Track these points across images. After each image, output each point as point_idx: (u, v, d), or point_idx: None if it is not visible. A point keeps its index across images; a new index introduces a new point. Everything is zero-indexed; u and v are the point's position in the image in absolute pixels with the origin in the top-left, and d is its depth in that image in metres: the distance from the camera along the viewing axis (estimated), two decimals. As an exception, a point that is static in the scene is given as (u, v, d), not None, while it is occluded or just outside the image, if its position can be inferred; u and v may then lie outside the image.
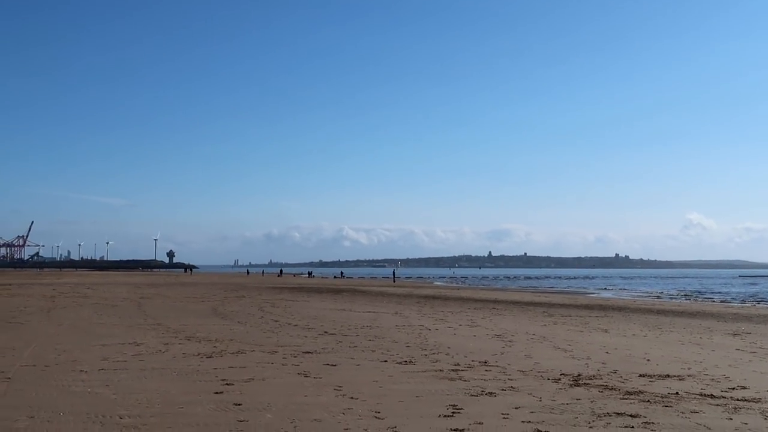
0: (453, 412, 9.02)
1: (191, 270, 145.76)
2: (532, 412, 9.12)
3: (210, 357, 13.88)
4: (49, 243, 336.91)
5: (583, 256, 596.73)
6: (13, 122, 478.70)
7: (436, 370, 12.55)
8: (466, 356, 14.57)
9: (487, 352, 15.41)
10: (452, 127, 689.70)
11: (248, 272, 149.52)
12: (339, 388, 10.52)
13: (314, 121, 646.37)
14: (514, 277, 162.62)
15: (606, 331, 22.05)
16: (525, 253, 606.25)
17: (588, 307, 37.35)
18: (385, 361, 13.73)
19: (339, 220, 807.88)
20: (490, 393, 10.41)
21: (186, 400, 9.48)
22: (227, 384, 10.74)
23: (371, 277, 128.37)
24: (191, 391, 10.10)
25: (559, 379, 11.82)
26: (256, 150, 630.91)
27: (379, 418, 8.64)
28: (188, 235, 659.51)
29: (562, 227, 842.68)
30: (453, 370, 12.67)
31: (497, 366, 13.24)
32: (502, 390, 10.68)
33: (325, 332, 19.31)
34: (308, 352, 14.79)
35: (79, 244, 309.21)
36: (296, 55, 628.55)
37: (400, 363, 13.46)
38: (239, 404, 9.25)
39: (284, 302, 35.20)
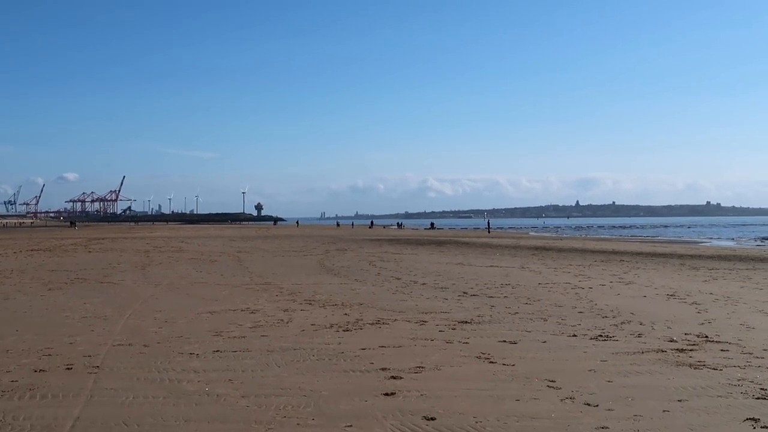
0: (771, 436, 5.80)
1: (297, 223, 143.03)
2: None
3: (347, 330, 10.95)
4: (141, 197, 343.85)
5: (673, 204, 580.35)
6: (103, 80, 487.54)
7: (655, 351, 9.35)
8: (669, 327, 11.35)
9: (686, 320, 12.14)
10: (536, 74, 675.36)
11: (338, 224, 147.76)
12: (553, 384, 7.42)
13: (395, 72, 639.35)
14: (610, 226, 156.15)
15: (784, 287, 18.41)
16: (613, 202, 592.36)
17: (724, 257, 33.27)
18: (574, 335, 10.59)
19: (424, 171, 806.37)
20: (778, 393, 7.15)
21: (351, 409, 6.49)
22: (393, 377, 7.74)
23: (462, 228, 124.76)
24: (350, 391, 7.11)
25: (840, 365, 8.48)
26: (340, 102, 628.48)
27: (664, 448, 5.46)
28: (275, 187, 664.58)
29: (651, 175, 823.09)
30: (676, 349, 9.44)
31: (727, 342, 9.98)
32: (787, 387, 7.41)
33: (464, 293, 16.23)
34: (465, 322, 11.77)
35: (169, 198, 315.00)
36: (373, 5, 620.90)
37: (595, 339, 10.30)
38: (432, 418, 6.23)
39: (391, 255, 32.31)
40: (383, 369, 8.12)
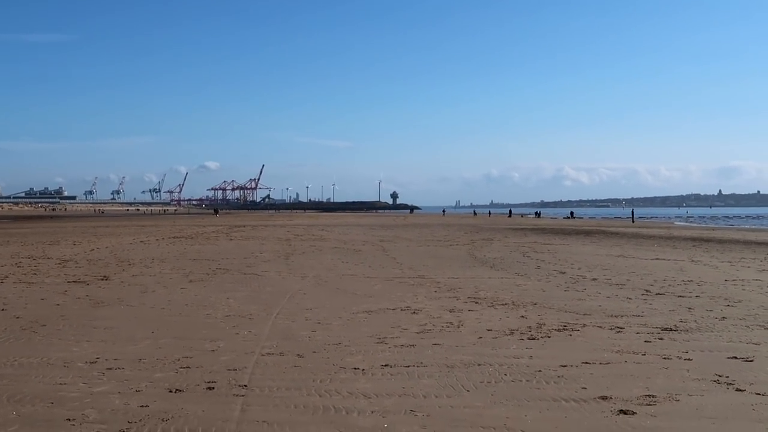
0: None
1: (443, 212, 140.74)
2: None
3: (532, 338, 9.22)
4: (279, 185, 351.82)
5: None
6: (242, 72, 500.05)
7: None
8: None
9: None
10: (677, 64, 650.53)
11: (475, 212, 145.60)
12: None
13: (530, 62, 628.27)
14: (758, 216, 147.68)
15: None
16: (758, 191, 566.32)
17: None
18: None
19: (559, 160, 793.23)
20: None
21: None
22: (623, 412, 5.95)
23: (602, 218, 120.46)
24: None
25: None
26: (472, 91, 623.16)
27: None
28: (409, 176, 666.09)
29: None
30: None
31: None
32: None
33: (647, 291, 14.20)
34: (669, 329, 9.85)
35: (307, 186, 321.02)
36: None
37: None
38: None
39: (542, 246, 30.31)
40: (603, 398, 6.34)
